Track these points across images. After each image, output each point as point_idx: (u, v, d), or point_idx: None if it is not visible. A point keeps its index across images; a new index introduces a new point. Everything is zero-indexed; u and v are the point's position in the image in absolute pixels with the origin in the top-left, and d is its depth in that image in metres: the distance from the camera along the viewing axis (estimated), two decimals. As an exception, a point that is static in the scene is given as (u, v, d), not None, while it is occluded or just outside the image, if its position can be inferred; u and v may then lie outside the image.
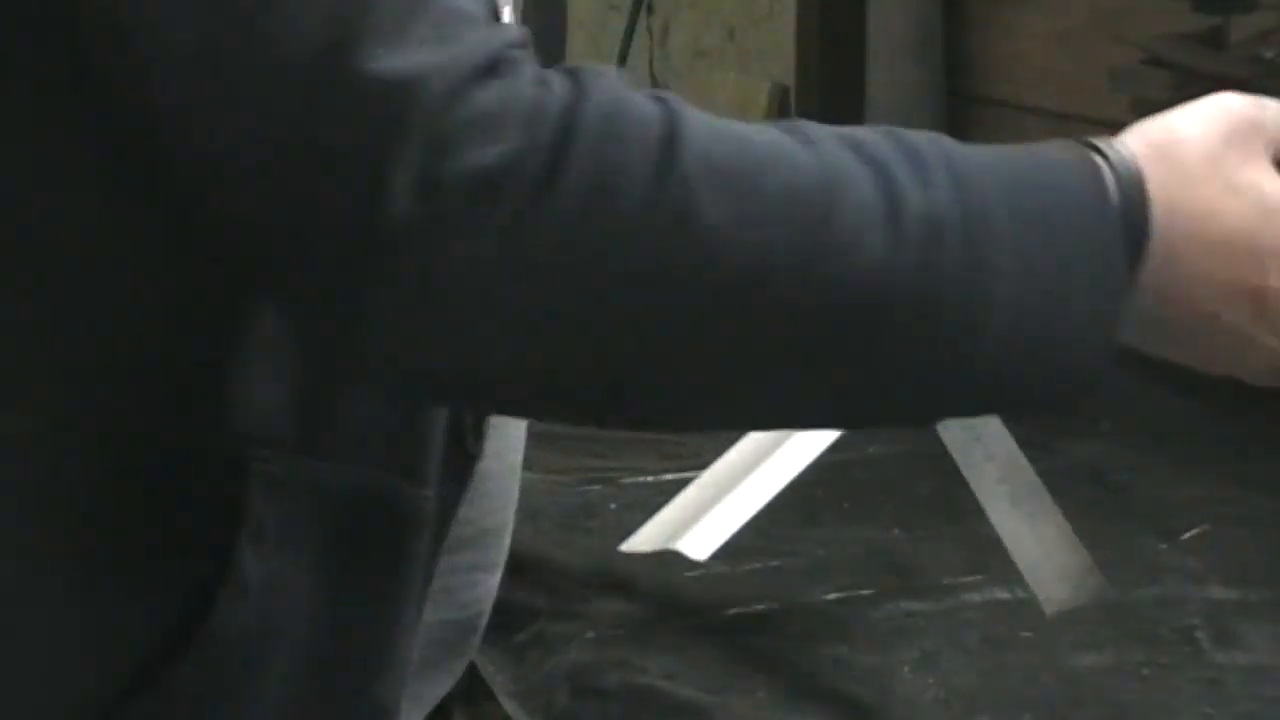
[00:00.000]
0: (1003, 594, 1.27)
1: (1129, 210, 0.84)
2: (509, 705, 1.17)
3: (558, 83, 0.77)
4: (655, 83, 3.25)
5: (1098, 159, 0.85)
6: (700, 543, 1.06)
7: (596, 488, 1.53)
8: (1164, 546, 1.39)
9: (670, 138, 0.77)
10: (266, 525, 0.86)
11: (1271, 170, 0.90)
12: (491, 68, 0.76)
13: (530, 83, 0.77)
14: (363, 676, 0.93)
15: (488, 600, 1.06)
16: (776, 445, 1.18)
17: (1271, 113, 0.94)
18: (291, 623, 0.88)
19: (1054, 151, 0.86)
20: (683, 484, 1.24)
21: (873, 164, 0.80)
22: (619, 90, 0.78)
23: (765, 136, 0.80)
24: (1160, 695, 1.13)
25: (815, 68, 2.52)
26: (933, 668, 1.17)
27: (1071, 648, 1.19)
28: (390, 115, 0.74)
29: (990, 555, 1.19)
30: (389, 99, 0.74)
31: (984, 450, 1.06)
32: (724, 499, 1.17)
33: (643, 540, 1.04)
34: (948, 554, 1.35)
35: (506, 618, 1.19)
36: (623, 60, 3.09)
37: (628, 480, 1.53)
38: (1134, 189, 0.84)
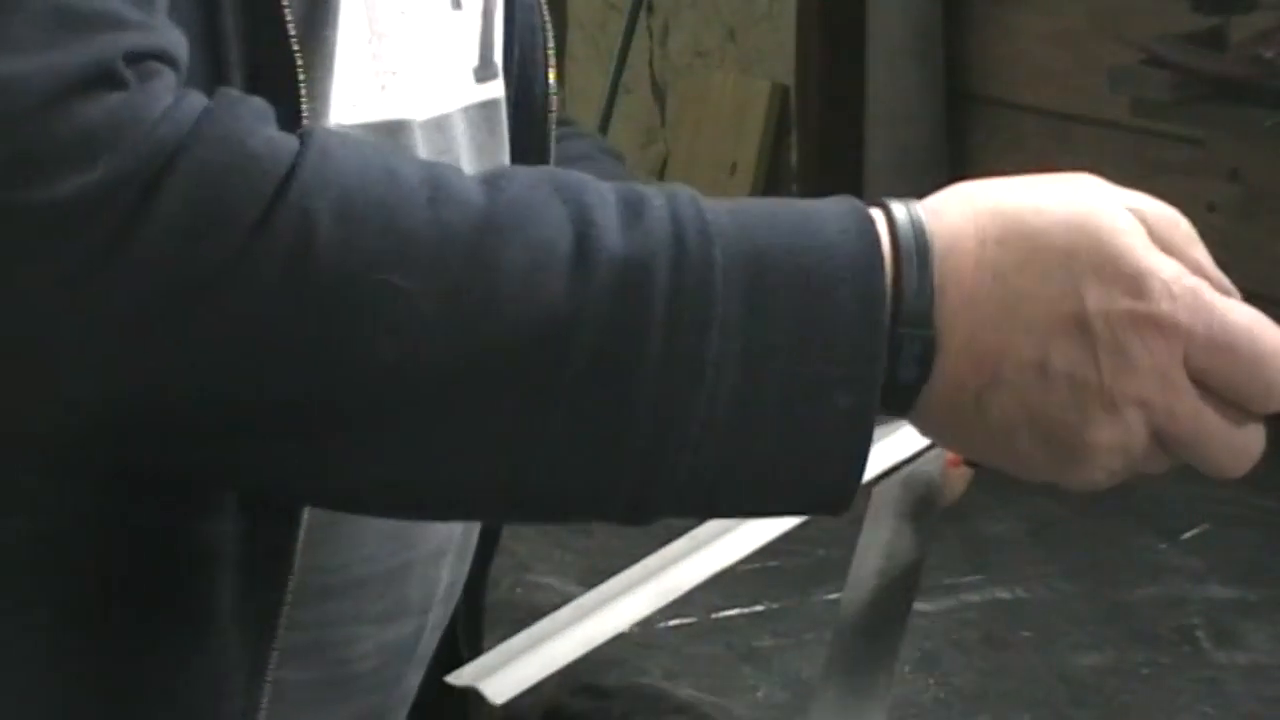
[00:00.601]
0: (1003, 594, 1.27)
1: (908, 280, 0.73)
2: (508, 703, 1.16)
3: (186, 105, 0.70)
4: (655, 83, 3.25)
5: (877, 214, 0.75)
6: (503, 687, 0.92)
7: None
8: (1164, 546, 1.39)
9: (290, 177, 0.69)
10: None
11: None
12: (102, 78, 0.68)
13: (149, 100, 0.69)
14: None
15: (381, 656, 0.94)
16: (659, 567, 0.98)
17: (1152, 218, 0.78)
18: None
19: (829, 207, 0.75)
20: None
21: (571, 204, 0.72)
22: (249, 121, 0.71)
23: (421, 175, 0.72)
24: (1160, 695, 1.13)
25: (815, 68, 2.51)
26: (933, 668, 1.17)
27: (1071, 648, 1.19)
28: None
29: (990, 555, 1.19)
30: None
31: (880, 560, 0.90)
32: (557, 637, 0.97)
33: (466, 674, 0.94)
34: (948, 554, 1.35)
35: (508, 618, 1.19)
36: (622, 60, 3.09)
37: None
38: (919, 247, 0.73)
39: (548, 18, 1.03)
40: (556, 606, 0.96)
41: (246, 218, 0.68)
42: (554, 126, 1.04)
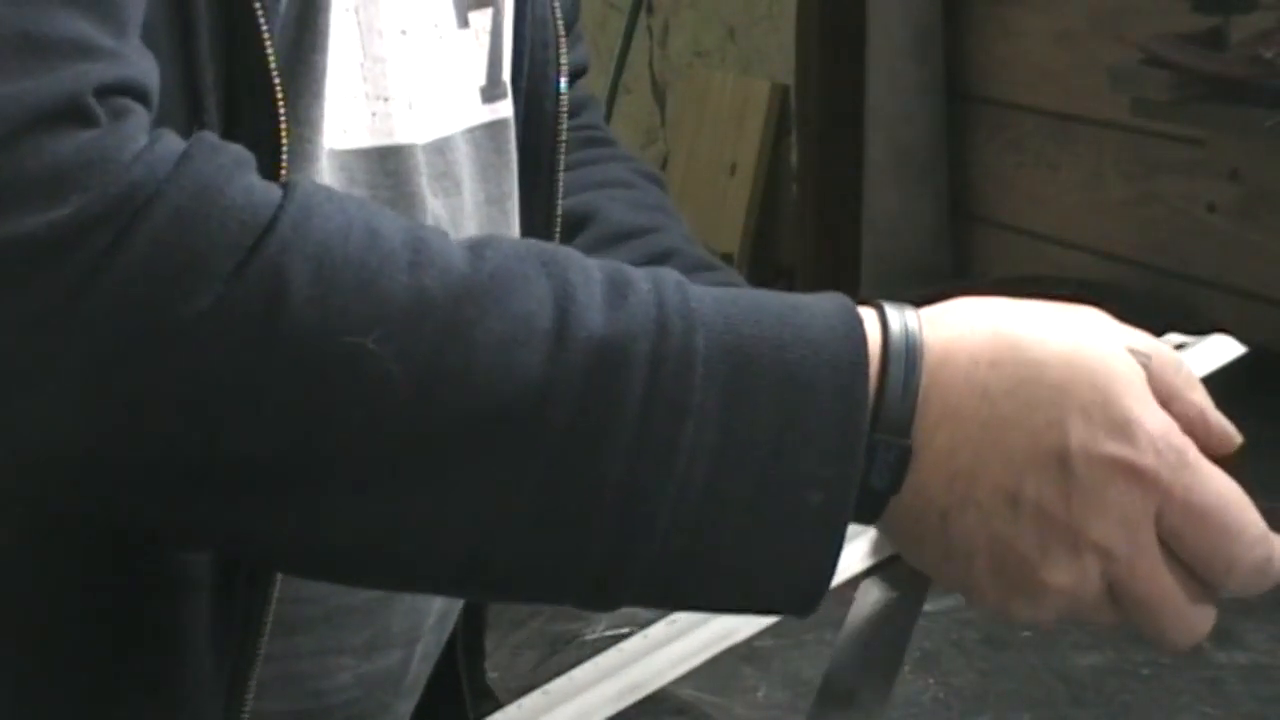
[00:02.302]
0: (1003, 594, 1.27)
1: (892, 388, 0.71)
2: (508, 703, 1.16)
3: (162, 148, 0.67)
4: (655, 83, 3.25)
5: (870, 315, 0.73)
6: None
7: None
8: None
9: (269, 231, 0.67)
10: None
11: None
12: (72, 113, 0.65)
13: (121, 141, 0.66)
14: None
15: (363, 686, 0.91)
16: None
17: (1157, 362, 0.76)
18: None
19: (820, 303, 0.73)
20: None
21: (555, 279, 0.70)
22: (230, 169, 0.68)
23: (404, 238, 0.70)
24: (1160, 695, 1.13)
25: (815, 68, 2.52)
26: (933, 668, 1.17)
27: (1071, 648, 1.19)
28: None
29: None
30: None
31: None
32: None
33: None
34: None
35: (507, 617, 1.19)
36: (622, 60, 3.09)
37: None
38: (907, 351, 0.72)
39: (562, 34, 1.01)
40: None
41: (220, 269, 0.66)
42: (564, 145, 1.02)
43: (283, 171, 0.76)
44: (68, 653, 0.79)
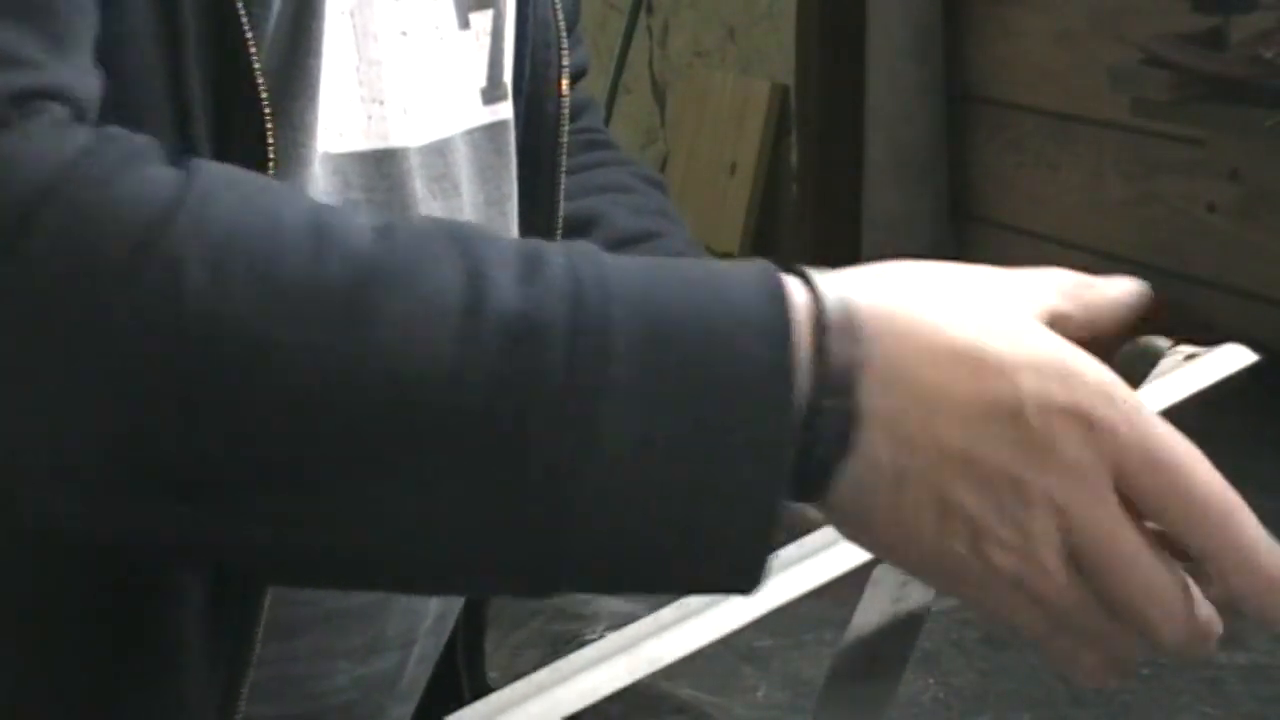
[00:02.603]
0: (1003, 594, 1.27)
1: (823, 359, 0.69)
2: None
3: (66, 143, 0.67)
4: (655, 83, 3.25)
5: (797, 283, 0.70)
6: None
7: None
8: (1164, 546, 1.40)
9: (164, 221, 0.66)
10: None
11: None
12: None
13: (25, 140, 0.66)
14: None
15: (359, 689, 0.91)
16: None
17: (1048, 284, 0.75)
18: None
19: (744, 270, 0.72)
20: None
21: (466, 256, 0.69)
22: (129, 159, 0.68)
23: (307, 221, 0.69)
24: (1160, 695, 1.13)
25: (815, 68, 2.52)
26: (933, 668, 1.17)
27: (1071, 648, 1.20)
28: None
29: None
30: None
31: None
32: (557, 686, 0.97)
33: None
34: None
35: (507, 617, 1.19)
36: (622, 60, 3.09)
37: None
38: (839, 321, 0.69)
39: (564, 34, 1.00)
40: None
41: (114, 264, 0.65)
42: (565, 146, 1.02)
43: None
44: (66, 653, 0.78)
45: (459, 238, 0.70)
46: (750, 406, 0.68)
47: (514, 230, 0.98)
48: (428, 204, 0.89)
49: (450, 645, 1.00)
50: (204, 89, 0.76)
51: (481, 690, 1.07)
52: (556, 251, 0.70)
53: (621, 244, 1.07)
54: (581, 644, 1.20)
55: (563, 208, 1.03)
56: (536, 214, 1.00)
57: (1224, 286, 2.01)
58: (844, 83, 2.46)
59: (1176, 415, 1.05)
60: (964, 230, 2.40)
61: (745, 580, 0.71)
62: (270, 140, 0.77)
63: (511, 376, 0.67)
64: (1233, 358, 0.93)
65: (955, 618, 1.07)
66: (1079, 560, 0.70)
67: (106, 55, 0.73)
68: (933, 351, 0.70)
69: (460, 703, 1.05)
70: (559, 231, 1.02)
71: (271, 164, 0.77)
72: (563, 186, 1.03)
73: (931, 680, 1.19)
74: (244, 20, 0.76)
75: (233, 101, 0.77)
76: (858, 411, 0.69)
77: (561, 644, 1.24)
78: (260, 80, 0.77)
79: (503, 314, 0.67)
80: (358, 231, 0.69)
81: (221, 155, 0.76)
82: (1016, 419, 0.70)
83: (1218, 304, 2.00)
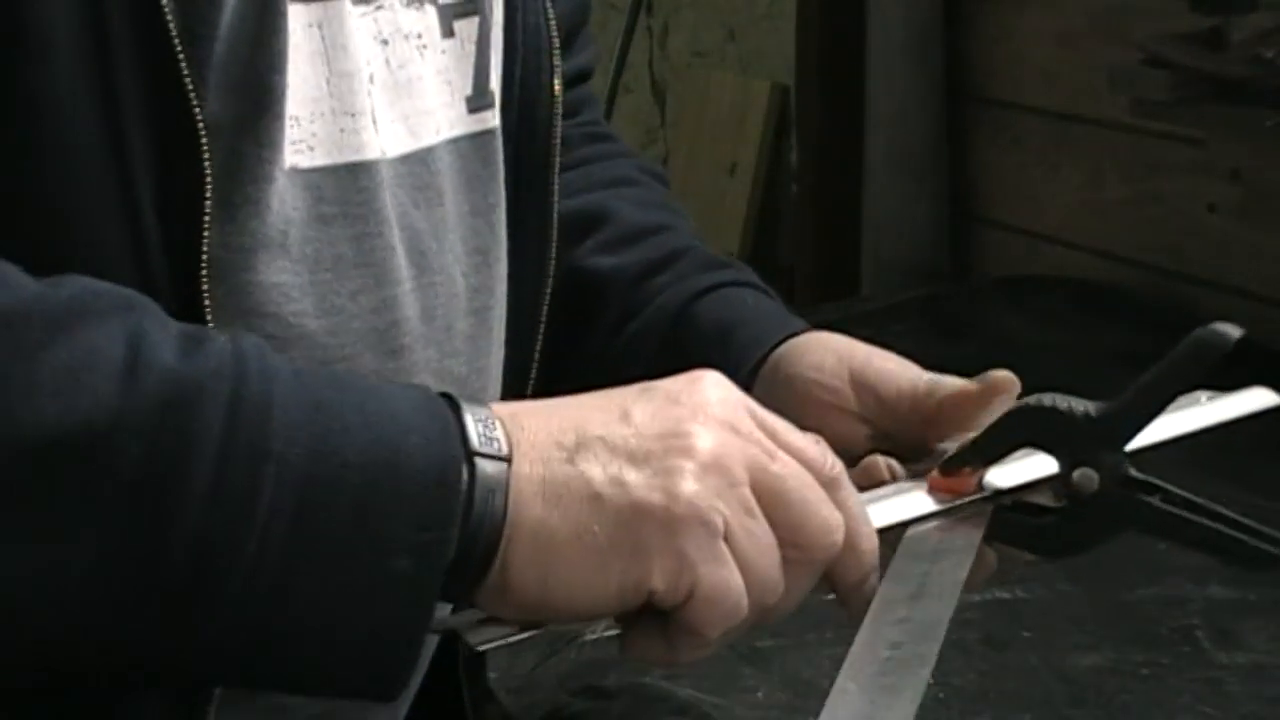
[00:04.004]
0: (1003, 594, 1.26)
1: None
2: (508, 704, 1.16)
3: None
4: (655, 83, 3.25)
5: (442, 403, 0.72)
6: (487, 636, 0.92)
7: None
8: (1164, 546, 1.39)
9: None
10: None
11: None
12: None
13: None
14: None
15: (334, 700, 0.87)
16: None
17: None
18: None
19: (395, 386, 0.73)
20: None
21: (130, 316, 0.68)
22: None
23: None
24: (1160, 695, 1.13)
25: (815, 68, 2.51)
26: (933, 668, 1.17)
27: (1071, 648, 1.19)
28: None
29: (990, 555, 1.19)
30: None
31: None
32: None
33: (450, 620, 0.93)
34: (948, 554, 1.35)
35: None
36: (622, 60, 3.09)
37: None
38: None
39: (556, 39, 1.00)
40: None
41: None
42: (557, 154, 1.01)
43: (205, 218, 0.76)
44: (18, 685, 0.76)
45: (121, 304, 0.69)
46: (411, 493, 0.68)
47: (501, 240, 0.97)
48: (409, 214, 0.89)
49: (450, 645, 1.00)
50: (144, 132, 0.75)
51: (481, 689, 1.08)
52: (218, 333, 0.70)
53: (632, 239, 1.07)
54: (582, 644, 1.21)
55: (565, 206, 1.03)
56: (527, 221, 1.00)
57: (1224, 286, 2.01)
58: (844, 83, 2.46)
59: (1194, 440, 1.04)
60: (964, 230, 2.40)
61: (385, 685, 0.70)
62: (206, 158, 0.77)
63: (169, 435, 0.65)
64: (1256, 400, 0.95)
65: (955, 618, 1.06)
66: (758, 489, 0.77)
67: (36, 80, 0.72)
68: (565, 401, 0.75)
69: (460, 702, 1.05)
70: (554, 237, 1.02)
71: (207, 205, 0.76)
72: (556, 190, 1.02)
73: (931, 680, 1.19)
74: (183, 66, 0.75)
75: (173, 146, 0.76)
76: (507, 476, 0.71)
77: (561, 643, 1.24)
78: (197, 109, 0.76)
79: (164, 372, 0.66)
80: (22, 279, 0.68)
81: (161, 178, 0.75)
82: (651, 388, 0.75)
83: (1218, 304, 1.99)
